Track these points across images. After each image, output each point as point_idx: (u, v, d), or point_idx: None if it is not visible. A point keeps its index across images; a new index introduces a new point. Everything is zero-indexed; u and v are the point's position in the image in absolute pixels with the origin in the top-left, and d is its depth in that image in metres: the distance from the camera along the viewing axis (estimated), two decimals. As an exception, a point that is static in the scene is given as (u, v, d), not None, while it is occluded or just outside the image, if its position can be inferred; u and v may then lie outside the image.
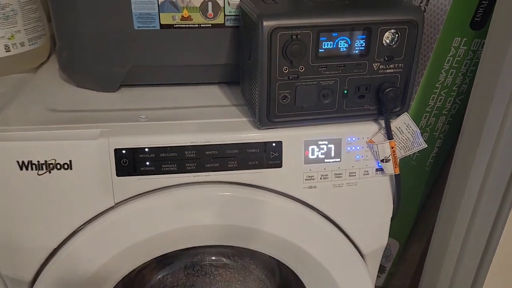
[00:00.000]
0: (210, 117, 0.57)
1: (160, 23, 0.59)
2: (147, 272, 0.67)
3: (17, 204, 0.53)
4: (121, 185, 0.53)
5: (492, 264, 0.59)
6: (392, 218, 0.62)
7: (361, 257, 0.62)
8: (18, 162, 0.51)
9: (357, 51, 0.52)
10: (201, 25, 0.60)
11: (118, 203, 0.54)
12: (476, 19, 0.60)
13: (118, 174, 0.53)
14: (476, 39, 0.62)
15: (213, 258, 0.65)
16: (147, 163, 0.53)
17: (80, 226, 0.55)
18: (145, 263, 0.61)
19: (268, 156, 0.55)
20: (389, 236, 0.65)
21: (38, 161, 0.51)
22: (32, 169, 0.51)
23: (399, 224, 0.80)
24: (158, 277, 0.66)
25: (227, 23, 0.60)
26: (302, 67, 0.51)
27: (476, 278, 0.63)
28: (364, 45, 0.52)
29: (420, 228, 0.82)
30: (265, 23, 0.48)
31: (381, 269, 0.88)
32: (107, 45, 0.60)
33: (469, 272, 0.64)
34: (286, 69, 0.51)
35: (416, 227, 0.82)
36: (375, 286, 0.67)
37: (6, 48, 0.65)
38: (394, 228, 0.75)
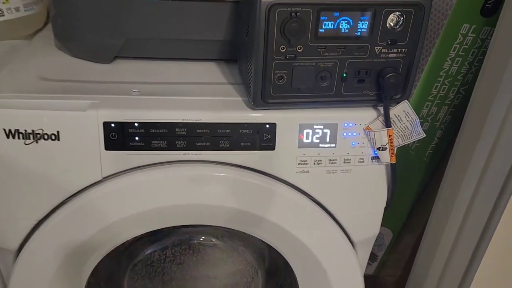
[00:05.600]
0: (204, 95, 0.55)
1: (158, -6, 0.56)
2: (137, 246, 0.66)
3: (2, 173, 0.52)
4: (110, 160, 0.52)
5: (484, 261, 0.58)
6: (385, 209, 0.61)
7: (351, 245, 0.61)
8: (4, 130, 0.50)
9: (359, 33, 0.50)
10: (201, -2, 0.57)
11: (105, 177, 0.53)
12: (487, 5, 0.57)
13: (106, 148, 0.51)
14: (485, 27, 0.59)
15: (203, 238, 0.65)
16: (137, 138, 0.51)
17: (67, 199, 0.54)
18: (135, 237, 0.60)
19: (261, 138, 0.53)
20: (383, 225, 0.64)
21: (25, 130, 0.50)
22: (19, 137, 0.50)
23: (394, 213, 0.78)
24: (146, 252, 0.65)
25: (227, -2, 0.58)
26: (300, 47, 0.49)
27: (467, 271, 0.62)
28: (366, 27, 0.50)
29: (414, 218, 0.81)
30: (263, -1, 0.46)
31: (373, 257, 0.87)
32: (102, 14, 0.58)
33: (460, 266, 0.63)
34: (284, 48, 0.49)
35: (410, 218, 0.81)
36: (367, 274, 0.66)
37: (0, 12, 0.63)
38: (388, 218, 0.74)
